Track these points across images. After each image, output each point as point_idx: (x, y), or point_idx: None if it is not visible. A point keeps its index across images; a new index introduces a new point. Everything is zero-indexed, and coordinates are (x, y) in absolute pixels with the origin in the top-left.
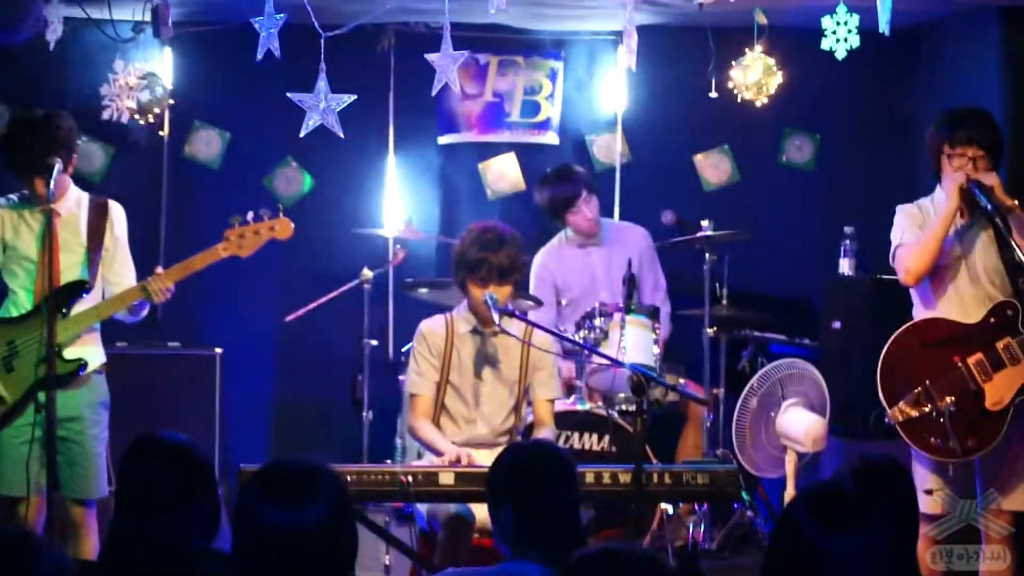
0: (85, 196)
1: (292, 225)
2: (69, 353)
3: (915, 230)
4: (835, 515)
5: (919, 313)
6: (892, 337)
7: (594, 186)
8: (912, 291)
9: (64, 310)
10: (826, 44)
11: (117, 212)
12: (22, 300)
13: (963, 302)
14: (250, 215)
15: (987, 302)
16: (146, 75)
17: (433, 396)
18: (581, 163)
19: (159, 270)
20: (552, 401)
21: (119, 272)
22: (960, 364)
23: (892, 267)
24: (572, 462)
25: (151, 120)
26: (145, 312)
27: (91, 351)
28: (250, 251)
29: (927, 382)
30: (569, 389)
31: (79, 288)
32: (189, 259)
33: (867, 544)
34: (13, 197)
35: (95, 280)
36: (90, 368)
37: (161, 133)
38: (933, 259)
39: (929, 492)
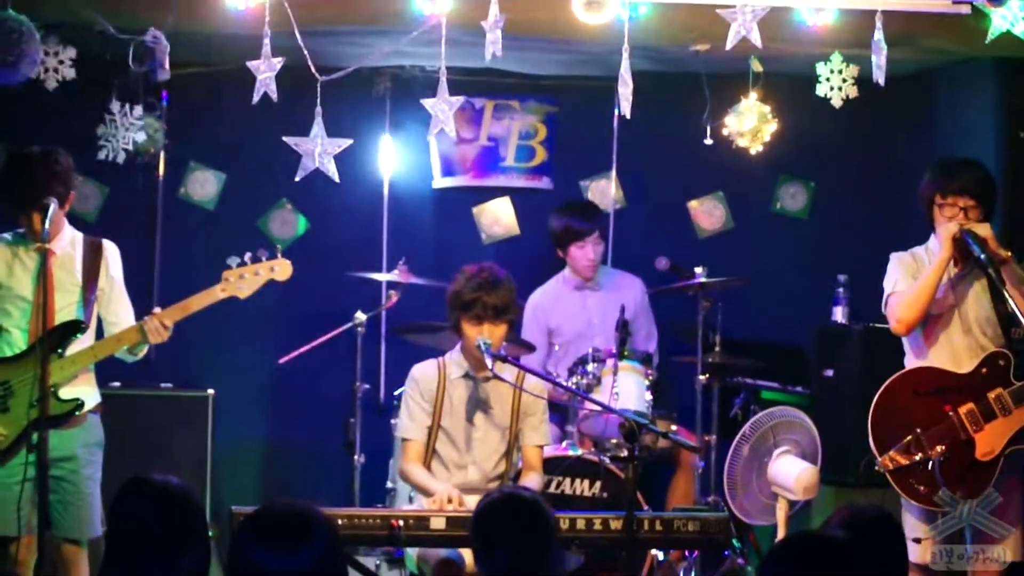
0: (80, 236)
1: (291, 266)
2: (64, 393)
3: (908, 279)
4: (817, 567)
5: (911, 362)
6: (884, 385)
7: (606, 233)
8: (904, 340)
9: (60, 350)
10: (821, 90)
11: (112, 252)
12: (16, 339)
13: (955, 352)
14: (247, 256)
15: (979, 352)
16: (142, 116)
17: (424, 441)
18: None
19: (156, 310)
20: (541, 447)
21: (116, 312)
22: (951, 414)
23: (884, 315)
24: (540, 515)
25: (147, 161)
26: (143, 352)
27: (86, 391)
28: (249, 292)
29: (918, 431)
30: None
31: (74, 328)
32: (187, 300)
33: None
34: (7, 236)
35: (90, 320)
36: (85, 408)
37: (157, 174)
38: (925, 308)
39: (917, 541)
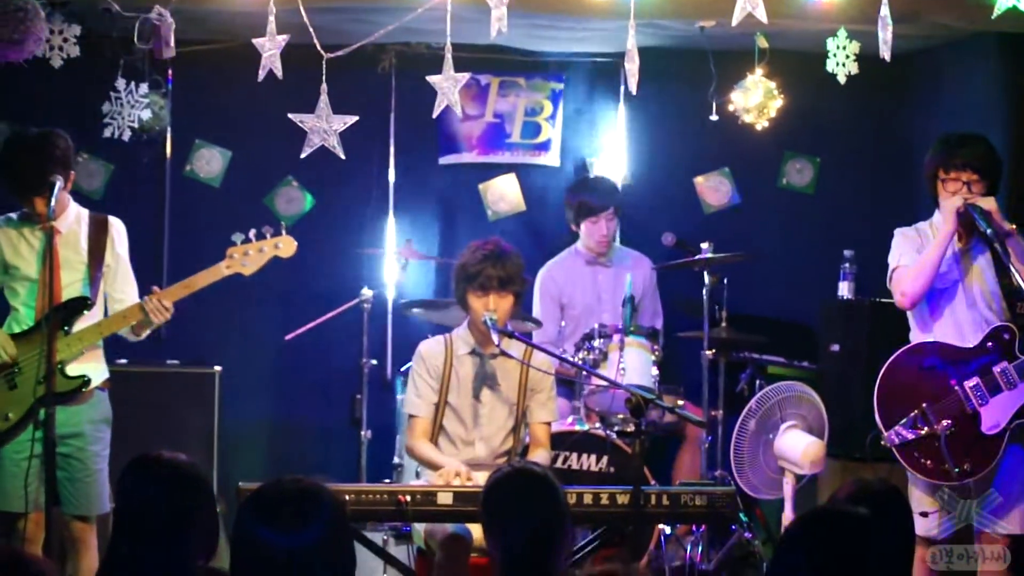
0: (85, 213)
1: (295, 243)
2: (72, 370)
3: (912, 253)
4: (838, 545)
5: (916, 336)
6: (889, 360)
7: (621, 210)
8: (909, 314)
9: (66, 327)
10: (830, 66)
11: (117, 228)
12: (23, 317)
13: (960, 326)
14: (252, 232)
15: (984, 326)
16: (148, 94)
17: (431, 417)
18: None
19: (155, 288)
20: (549, 424)
21: (122, 289)
22: (957, 388)
23: (889, 290)
24: (551, 489)
25: (152, 138)
26: (147, 332)
27: (93, 368)
28: (253, 269)
29: (924, 405)
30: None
31: (81, 305)
32: (191, 277)
33: (867, 569)
34: (12, 216)
35: (96, 297)
36: (92, 385)
37: (162, 151)
38: (929, 282)
39: (925, 515)
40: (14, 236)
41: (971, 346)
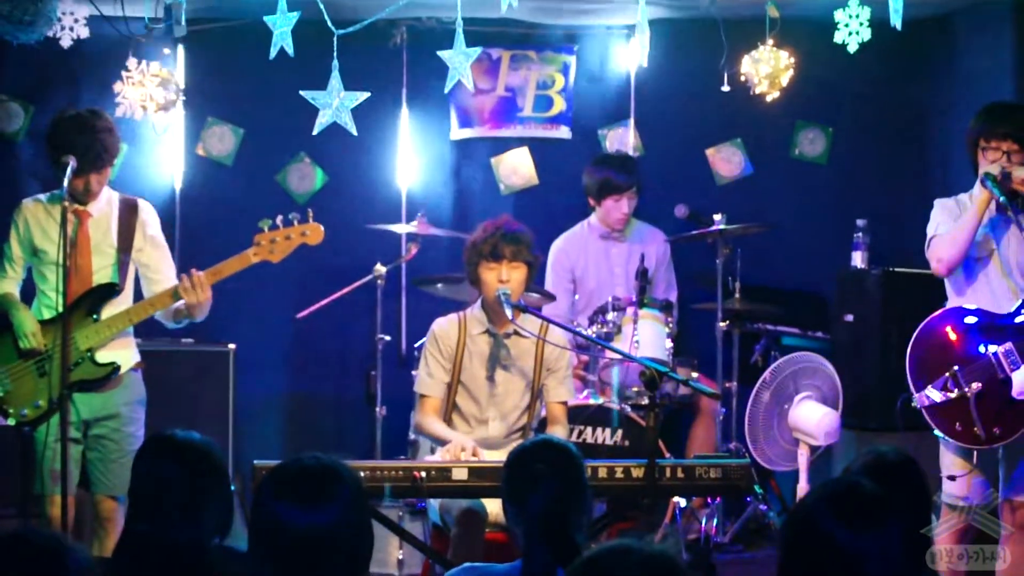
0: (116, 196)
1: (323, 230)
2: (102, 356)
3: (950, 222)
4: (855, 512)
5: (953, 303)
6: (923, 323)
7: (641, 187)
8: (946, 282)
9: (95, 314)
10: (839, 37)
11: (148, 212)
12: (54, 302)
13: (994, 294)
14: (279, 219)
15: (1018, 295)
16: (159, 72)
17: (441, 397)
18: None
19: (194, 271)
20: (566, 403)
21: (158, 269)
22: (989, 352)
23: (916, 260)
24: (574, 460)
25: (164, 117)
26: (185, 318)
27: (124, 353)
28: (281, 256)
29: (955, 368)
30: (581, 380)
31: (109, 291)
32: (219, 264)
33: (885, 539)
34: (42, 197)
35: (125, 282)
36: (124, 368)
37: (174, 130)
38: (964, 249)
39: (952, 478)
40: (43, 217)
41: (1005, 312)
